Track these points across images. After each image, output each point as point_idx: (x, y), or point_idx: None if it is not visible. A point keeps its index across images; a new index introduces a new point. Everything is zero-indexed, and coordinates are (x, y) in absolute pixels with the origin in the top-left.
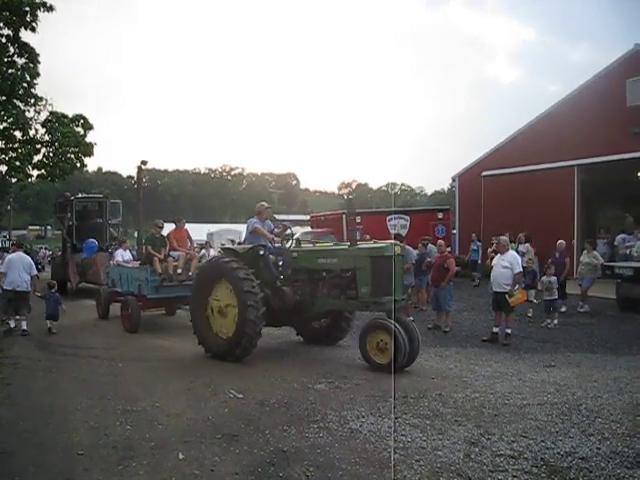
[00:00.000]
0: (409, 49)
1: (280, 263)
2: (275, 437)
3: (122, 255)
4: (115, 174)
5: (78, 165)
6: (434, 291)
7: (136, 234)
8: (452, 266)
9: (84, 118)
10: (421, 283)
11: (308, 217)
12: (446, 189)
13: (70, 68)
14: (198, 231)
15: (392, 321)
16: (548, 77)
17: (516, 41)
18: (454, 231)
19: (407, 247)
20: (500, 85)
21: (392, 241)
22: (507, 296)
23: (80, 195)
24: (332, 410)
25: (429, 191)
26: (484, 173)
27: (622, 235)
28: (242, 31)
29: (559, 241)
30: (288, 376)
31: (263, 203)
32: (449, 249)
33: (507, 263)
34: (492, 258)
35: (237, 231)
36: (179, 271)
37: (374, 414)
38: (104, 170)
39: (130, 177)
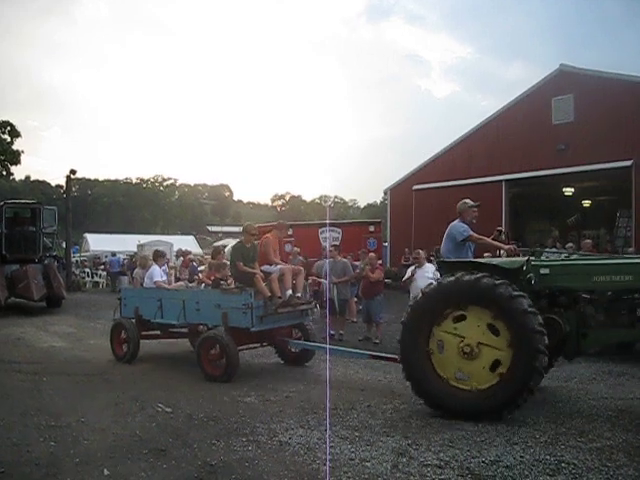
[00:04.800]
0: (345, 62)
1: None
2: (203, 451)
3: (162, 274)
4: (43, 183)
5: (4, 173)
6: (364, 303)
7: (64, 244)
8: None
9: (11, 125)
10: (351, 294)
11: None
12: (379, 202)
13: None
14: (129, 242)
15: None
16: (481, 93)
17: (452, 57)
18: (385, 244)
19: (344, 260)
20: (435, 100)
21: None
22: None
23: (11, 200)
24: (261, 423)
25: (362, 204)
26: (415, 187)
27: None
28: (173, 36)
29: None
30: (218, 390)
31: (467, 201)
32: (380, 261)
33: (430, 274)
34: (411, 271)
35: (168, 242)
36: (289, 292)
37: (303, 426)
38: (32, 178)
39: (59, 186)
